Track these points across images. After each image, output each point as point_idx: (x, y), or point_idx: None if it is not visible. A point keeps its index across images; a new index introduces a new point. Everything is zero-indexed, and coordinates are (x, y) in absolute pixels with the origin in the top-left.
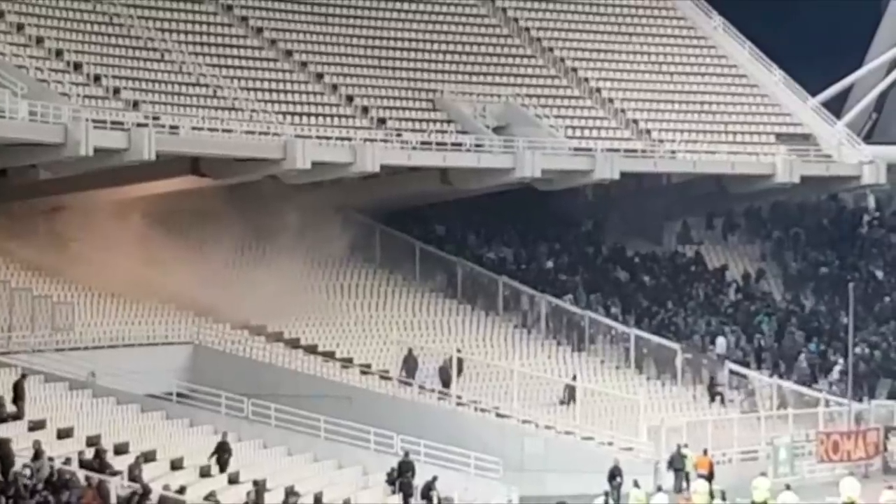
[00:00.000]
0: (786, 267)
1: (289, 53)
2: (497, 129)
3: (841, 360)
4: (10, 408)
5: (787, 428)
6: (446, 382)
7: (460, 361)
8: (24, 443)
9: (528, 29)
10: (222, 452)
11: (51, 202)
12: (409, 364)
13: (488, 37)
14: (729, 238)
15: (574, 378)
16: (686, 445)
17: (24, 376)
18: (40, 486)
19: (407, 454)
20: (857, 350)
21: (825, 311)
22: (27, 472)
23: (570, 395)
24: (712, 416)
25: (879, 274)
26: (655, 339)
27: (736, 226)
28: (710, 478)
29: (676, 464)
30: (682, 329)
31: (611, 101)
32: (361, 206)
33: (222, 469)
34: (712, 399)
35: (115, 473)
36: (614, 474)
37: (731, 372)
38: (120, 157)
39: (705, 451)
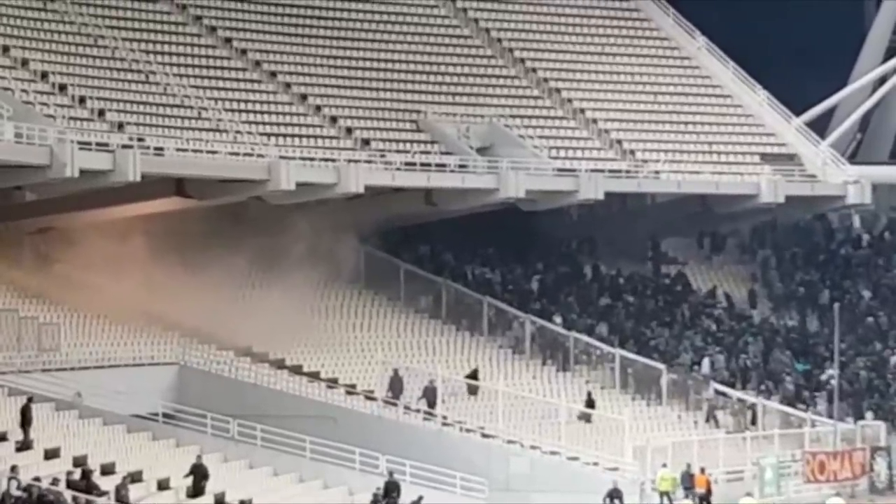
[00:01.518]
0: (772, 287)
1: (273, 75)
2: (481, 150)
3: (828, 381)
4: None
5: (774, 448)
6: (432, 403)
7: (475, 387)
8: (9, 463)
9: (511, 49)
10: (197, 475)
11: (37, 223)
12: (395, 385)
13: (472, 57)
14: (714, 258)
15: (589, 395)
16: (665, 465)
17: (30, 399)
18: None
19: (392, 474)
20: (843, 370)
21: (811, 331)
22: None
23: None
24: (698, 435)
25: (866, 294)
26: (640, 359)
27: (721, 246)
28: (707, 496)
29: (685, 482)
30: (667, 349)
31: (594, 121)
32: (346, 226)
33: (196, 492)
34: (707, 420)
35: (101, 494)
36: (613, 496)
37: (717, 392)
38: (105, 178)
39: (703, 470)
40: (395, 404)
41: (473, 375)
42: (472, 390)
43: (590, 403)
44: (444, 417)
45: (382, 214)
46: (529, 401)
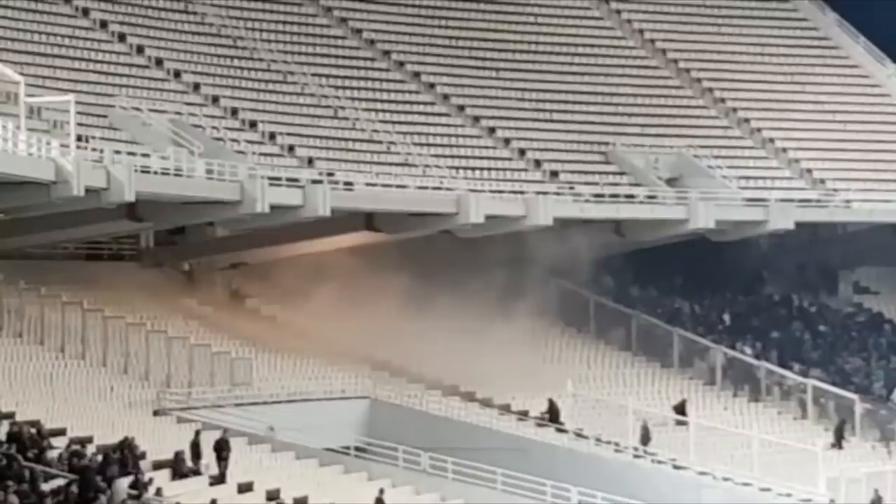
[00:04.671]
0: None
1: (461, 108)
2: (670, 181)
3: None
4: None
5: None
6: (645, 440)
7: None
8: (205, 497)
9: (699, 80)
10: None
11: (228, 259)
12: (553, 412)
13: (660, 88)
14: None
15: (842, 422)
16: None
17: (226, 431)
18: None
19: None
20: None
21: None
22: None
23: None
24: (892, 466)
25: None
26: (833, 389)
27: None
28: None
29: None
30: (859, 379)
31: (784, 150)
32: (534, 259)
33: None
34: None
35: None
36: None
37: None
38: (295, 213)
39: None
40: (586, 437)
41: (680, 407)
42: (680, 422)
43: (839, 431)
44: (636, 449)
45: (571, 246)
46: (721, 432)
